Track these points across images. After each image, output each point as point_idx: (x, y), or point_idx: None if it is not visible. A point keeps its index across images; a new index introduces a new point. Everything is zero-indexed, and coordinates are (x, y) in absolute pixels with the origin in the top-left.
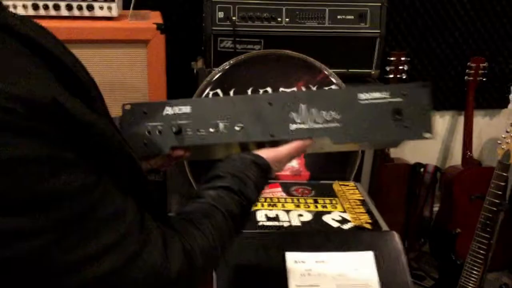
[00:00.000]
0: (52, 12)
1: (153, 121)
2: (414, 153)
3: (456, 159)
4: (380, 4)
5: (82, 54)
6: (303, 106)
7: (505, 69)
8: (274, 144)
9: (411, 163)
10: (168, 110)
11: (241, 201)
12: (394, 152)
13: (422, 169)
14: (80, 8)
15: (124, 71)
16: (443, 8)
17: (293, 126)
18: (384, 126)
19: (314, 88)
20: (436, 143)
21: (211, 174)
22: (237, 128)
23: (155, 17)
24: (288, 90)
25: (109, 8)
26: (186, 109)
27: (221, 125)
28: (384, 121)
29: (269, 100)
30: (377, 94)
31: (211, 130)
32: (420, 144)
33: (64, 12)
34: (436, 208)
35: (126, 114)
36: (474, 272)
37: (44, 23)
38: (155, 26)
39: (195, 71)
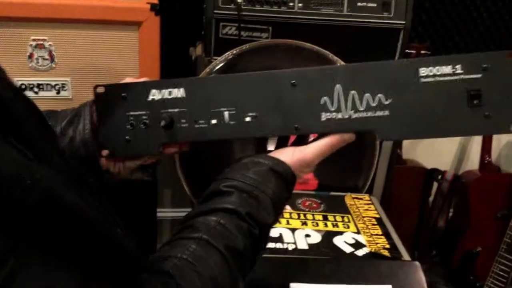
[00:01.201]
0: None
1: (136, 109)
2: (428, 155)
3: (473, 162)
4: None
5: (65, 35)
6: (339, 88)
7: None
8: (301, 138)
9: (425, 166)
10: (155, 94)
11: (251, 229)
12: (406, 152)
13: (439, 176)
14: None
15: (112, 56)
16: None
17: (325, 116)
18: (455, 117)
19: None
20: (452, 144)
21: (212, 188)
22: (247, 119)
23: None
24: None
25: None
26: (179, 92)
27: (226, 115)
28: (455, 109)
29: (292, 80)
30: (446, 69)
31: (213, 121)
32: (435, 144)
33: None
34: None
35: (100, 100)
36: None
37: None
38: (148, 6)
39: (193, 58)
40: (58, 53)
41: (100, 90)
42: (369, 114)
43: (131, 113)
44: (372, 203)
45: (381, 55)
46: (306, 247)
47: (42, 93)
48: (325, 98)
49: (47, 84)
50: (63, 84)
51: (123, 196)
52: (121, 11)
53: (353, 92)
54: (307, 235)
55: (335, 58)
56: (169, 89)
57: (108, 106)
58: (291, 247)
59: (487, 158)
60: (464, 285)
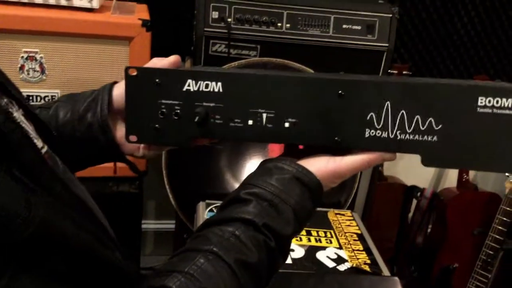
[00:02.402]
0: None
1: (169, 97)
2: (409, 172)
3: (451, 180)
4: (390, 15)
5: (56, 48)
6: (389, 105)
7: None
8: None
9: (405, 183)
10: (191, 85)
11: (267, 241)
12: (387, 169)
13: (419, 193)
14: None
15: (103, 70)
16: (451, 21)
17: (369, 132)
18: (504, 153)
19: None
20: None
21: (233, 194)
22: (287, 125)
23: (141, 11)
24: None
25: None
26: (216, 86)
27: (264, 117)
28: (506, 145)
29: (340, 89)
30: (505, 102)
31: (250, 122)
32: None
33: None
34: None
35: (130, 83)
36: None
37: (15, 10)
38: (140, 22)
39: (179, 58)
40: (49, 66)
41: (132, 72)
42: (416, 137)
43: (164, 101)
44: (354, 219)
45: (365, 75)
46: (290, 262)
47: None
48: (372, 114)
49: (37, 96)
50: (53, 96)
51: (108, 208)
52: (113, 26)
53: (403, 111)
54: (291, 250)
55: None
56: (206, 82)
57: (139, 90)
58: (290, 248)
59: (465, 176)
60: None
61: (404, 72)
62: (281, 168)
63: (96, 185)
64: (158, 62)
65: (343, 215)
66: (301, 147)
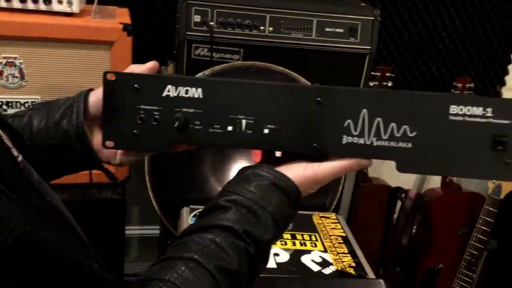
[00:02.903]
0: (2, 4)
1: (148, 103)
2: (393, 173)
3: (435, 181)
4: (372, 18)
5: (36, 54)
6: (365, 113)
7: (491, 91)
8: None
9: (390, 184)
10: (171, 91)
11: (247, 248)
12: (371, 171)
13: (403, 195)
14: (35, 1)
15: (84, 75)
16: (432, 24)
17: (346, 139)
18: (475, 159)
19: None
20: None
21: (212, 201)
22: (266, 131)
23: (122, 15)
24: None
25: (69, 3)
26: (196, 92)
27: (243, 123)
28: (477, 152)
29: (318, 97)
30: (476, 110)
31: (229, 128)
32: None
33: (16, 3)
34: None
35: (109, 88)
36: None
37: None
38: (121, 26)
39: (157, 64)
40: (28, 71)
41: (111, 77)
42: (392, 144)
43: (142, 106)
44: (339, 222)
45: (348, 78)
46: (275, 266)
47: (11, 111)
48: (349, 121)
49: (16, 102)
50: (33, 102)
51: (91, 215)
52: (93, 31)
53: (379, 119)
54: (276, 254)
55: (304, 80)
56: (186, 88)
57: (117, 96)
58: (270, 253)
59: (449, 177)
60: None
61: (387, 74)
62: (260, 175)
63: (79, 192)
64: (137, 69)
65: (328, 218)
66: (278, 153)
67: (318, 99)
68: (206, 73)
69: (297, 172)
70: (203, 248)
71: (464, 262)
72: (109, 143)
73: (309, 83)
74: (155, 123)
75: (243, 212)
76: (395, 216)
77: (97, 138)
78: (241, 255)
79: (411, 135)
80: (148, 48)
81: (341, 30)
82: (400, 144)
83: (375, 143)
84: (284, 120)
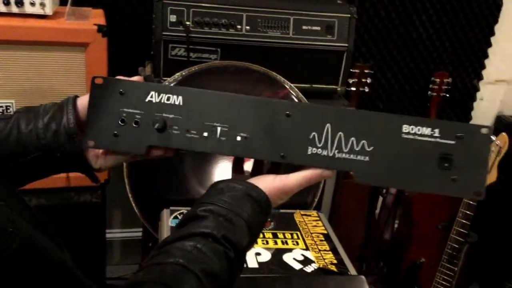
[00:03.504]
0: None
1: (131, 107)
2: None
3: None
4: (349, 15)
5: (9, 57)
6: (328, 127)
7: (468, 86)
8: (277, 165)
9: None
10: (153, 97)
11: (227, 252)
12: None
13: (384, 190)
14: (7, 3)
15: (59, 78)
16: (409, 20)
17: (311, 150)
18: (425, 174)
19: None
20: None
21: (189, 213)
22: (238, 138)
23: (97, 16)
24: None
25: (42, 5)
26: (177, 99)
27: (218, 130)
28: (426, 168)
29: (287, 110)
30: (425, 130)
31: (205, 134)
32: None
33: None
34: None
35: (96, 91)
36: None
37: None
38: (95, 27)
39: (143, 78)
40: (1, 75)
41: (98, 81)
42: (351, 156)
43: (125, 109)
44: (320, 219)
45: (326, 75)
46: (257, 266)
47: None
48: (314, 134)
49: None
50: (7, 106)
51: (70, 219)
52: (67, 33)
53: (340, 133)
54: (258, 254)
55: (282, 79)
56: (168, 95)
57: (102, 98)
58: (245, 260)
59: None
60: None
61: (365, 71)
62: (233, 187)
63: (57, 196)
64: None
65: (310, 215)
66: (247, 160)
67: (287, 112)
68: (184, 73)
69: (267, 183)
70: (186, 254)
71: (446, 255)
72: (90, 142)
73: (288, 83)
74: (135, 125)
75: (220, 220)
76: (377, 211)
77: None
78: (222, 259)
79: (369, 149)
80: (125, 49)
81: (318, 28)
82: (359, 157)
83: (337, 155)
84: (256, 129)
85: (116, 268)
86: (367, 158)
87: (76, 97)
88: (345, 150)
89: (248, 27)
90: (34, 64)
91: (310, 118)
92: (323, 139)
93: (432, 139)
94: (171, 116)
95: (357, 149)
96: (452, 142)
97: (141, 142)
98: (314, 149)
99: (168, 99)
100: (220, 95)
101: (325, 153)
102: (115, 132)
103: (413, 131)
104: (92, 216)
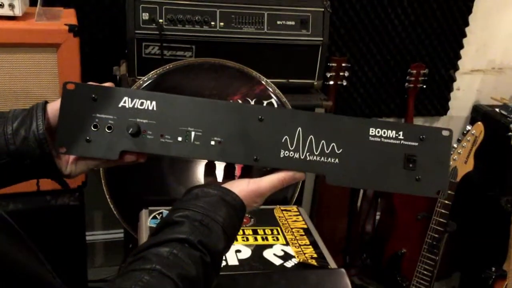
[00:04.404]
0: None
1: (104, 112)
2: None
3: None
4: (322, 9)
5: None
6: (300, 130)
7: (445, 76)
8: (248, 169)
9: None
10: (126, 102)
11: (203, 257)
12: None
13: None
14: None
15: (30, 80)
16: (384, 13)
17: (283, 153)
18: (391, 174)
19: (252, 102)
20: None
21: (164, 219)
22: (212, 143)
23: (68, 16)
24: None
25: (11, 6)
26: (151, 105)
27: (192, 135)
28: (392, 168)
29: (260, 115)
30: (390, 133)
31: (179, 138)
32: None
33: None
34: None
35: (67, 96)
36: None
37: None
38: (66, 27)
39: (118, 77)
40: None
41: (70, 87)
42: (322, 159)
43: (98, 115)
44: (300, 214)
45: (302, 70)
46: (237, 263)
47: None
48: (286, 137)
49: None
50: None
51: (49, 223)
52: (38, 34)
53: (311, 136)
54: (238, 251)
55: (258, 75)
56: (142, 100)
57: (74, 104)
58: (221, 264)
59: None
60: (392, 286)
61: (343, 65)
62: (208, 192)
63: (34, 200)
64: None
65: (290, 211)
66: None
67: (260, 116)
68: (158, 71)
69: (242, 187)
70: (162, 259)
71: (426, 245)
72: (62, 149)
73: (264, 78)
74: (108, 131)
75: (196, 225)
76: (359, 204)
77: (52, 147)
78: (197, 264)
79: (338, 152)
80: (99, 48)
81: (293, 23)
82: (329, 160)
83: (308, 158)
84: (229, 133)
85: (99, 271)
86: (337, 161)
87: (46, 102)
88: (316, 153)
89: (222, 23)
90: (5, 67)
91: (282, 122)
92: (294, 142)
93: (397, 141)
94: (145, 121)
95: (327, 151)
96: (416, 143)
97: (114, 147)
98: (286, 152)
99: (141, 104)
100: (194, 100)
101: (297, 156)
102: (87, 137)
103: (379, 134)
104: (71, 219)
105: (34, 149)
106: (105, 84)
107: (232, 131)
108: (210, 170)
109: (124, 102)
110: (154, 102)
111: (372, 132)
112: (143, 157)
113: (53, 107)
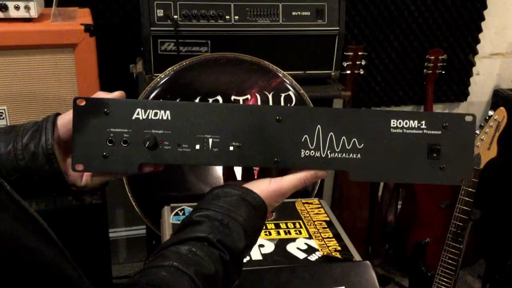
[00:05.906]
0: None
1: (118, 126)
2: None
3: None
4: None
5: None
6: (320, 128)
7: (464, 62)
8: (267, 170)
9: None
10: (140, 114)
11: (222, 255)
12: None
13: None
14: None
15: (49, 80)
16: None
17: (304, 152)
18: (415, 166)
19: (270, 96)
20: None
21: (185, 219)
22: (231, 148)
23: (83, 15)
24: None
25: (27, 8)
26: (165, 114)
27: (210, 141)
28: (416, 159)
29: (278, 115)
30: (412, 123)
31: (197, 146)
32: None
33: None
34: None
35: (79, 113)
36: (445, 282)
37: None
38: (82, 27)
39: (134, 75)
40: None
41: (80, 102)
42: (344, 155)
43: (112, 129)
44: (322, 207)
45: (319, 61)
46: (260, 258)
47: None
48: (306, 136)
49: None
50: (0, 112)
51: (72, 222)
52: (55, 35)
53: (331, 133)
54: (261, 245)
55: (275, 68)
56: (155, 110)
57: (87, 120)
58: (245, 259)
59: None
60: (417, 276)
61: (359, 53)
62: (229, 192)
63: (57, 201)
64: (105, 95)
65: (311, 203)
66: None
67: (278, 117)
68: (175, 68)
69: (263, 187)
70: (181, 257)
71: (450, 234)
72: (79, 166)
73: (281, 71)
74: (124, 145)
75: (216, 225)
76: (380, 194)
77: (63, 162)
78: (216, 262)
79: (360, 147)
80: (115, 46)
81: (308, 13)
82: (351, 155)
83: (329, 156)
84: (247, 137)
85: (123, 267)
86: (359, 156)
87: (57, 115)
88: (337, 150)
89: (237, 17)
90: (23, 69)
91: (300, 121)
92: (315, 141)
93: (420, 131)
94: (161, 131)
95: (348, 147)
96: (439, 132)
97: (132, 161)
98: (307, 151)
99: (155, 114)
100: (208, 105)
101: (318, 154)
102: (104, 153)
103: (401, 125)
104: (94, 217)
105: (43, 165)
106: (115, 93)
107: (250, 135)
108: (228, 169)
109: (138, 114)
110: (168, 111)
111: (393, 124)
112: (160, 166)
113: (64, 119)
